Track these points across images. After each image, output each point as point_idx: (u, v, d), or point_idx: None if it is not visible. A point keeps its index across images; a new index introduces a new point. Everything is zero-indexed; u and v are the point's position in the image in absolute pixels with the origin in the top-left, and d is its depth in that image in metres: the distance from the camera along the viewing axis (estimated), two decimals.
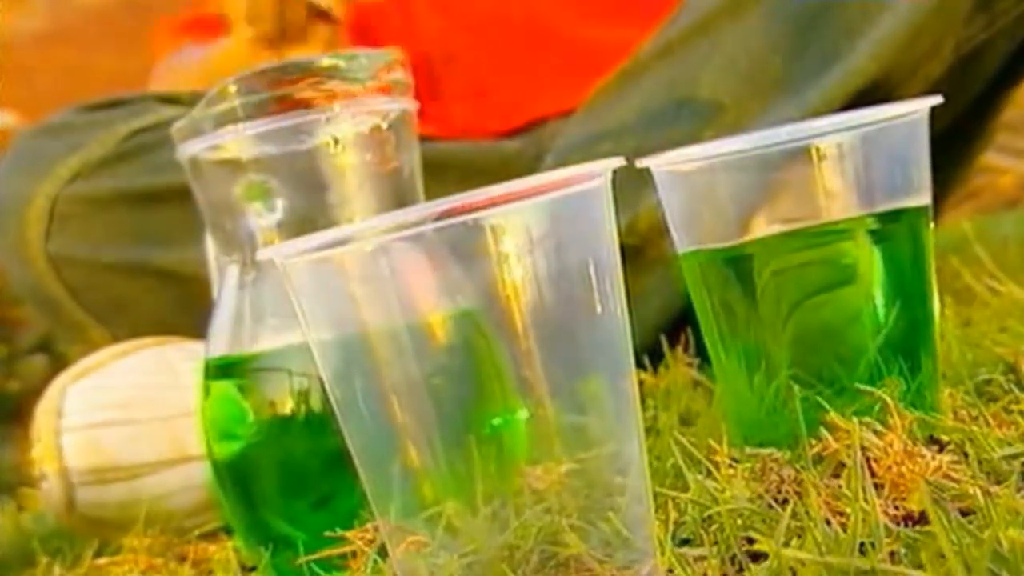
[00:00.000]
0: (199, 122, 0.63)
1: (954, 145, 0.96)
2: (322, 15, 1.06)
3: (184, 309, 0.90)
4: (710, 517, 0.51)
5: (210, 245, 0.69)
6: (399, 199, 0.64)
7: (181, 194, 0.89)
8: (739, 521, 0.50)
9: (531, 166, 0.93)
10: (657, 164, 0.59)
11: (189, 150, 0.64)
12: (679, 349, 0.78)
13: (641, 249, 0.83)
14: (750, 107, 0.85)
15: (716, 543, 0.49)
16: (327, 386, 0.45)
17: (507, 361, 0.43)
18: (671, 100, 0.88)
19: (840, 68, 0.83)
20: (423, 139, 0.67)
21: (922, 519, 0.48)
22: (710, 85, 0.87)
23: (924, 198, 0.59)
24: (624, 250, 0.45)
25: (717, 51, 0.87)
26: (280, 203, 0.63)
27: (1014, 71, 0.94)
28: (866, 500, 0.46)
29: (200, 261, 0.72)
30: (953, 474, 0.50)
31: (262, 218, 0.63)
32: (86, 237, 0.99)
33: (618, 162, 0.44)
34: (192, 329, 0.82)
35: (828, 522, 0.47)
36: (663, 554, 0.47)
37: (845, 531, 0.45)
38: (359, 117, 0.63)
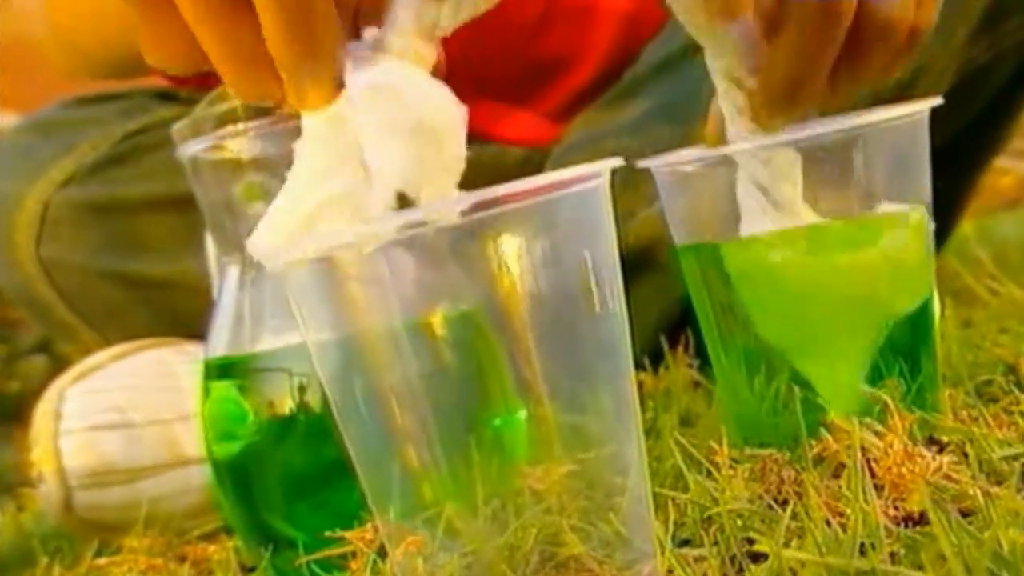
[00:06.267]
0: (200, 122, 0.63)
1: (960, 161, 0.95)
2: None
3: (178, 321, 0.90)
4: (710, 518, 0.51)
5: (210, 245, 0.69)
6: None
7: (177, 202, 0.88)
8: (739, 521, 0.50)
9: (535, 173, 0.92)
10: (657, 164, 0.59)
11: (190, 150, 0.64)
12: (679, 350, 0.78)
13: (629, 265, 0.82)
14: None
15: (716, 543, 0.49)
16: (326, 387, 0.45)
17: (507, 362, 0.43)
18: (669, 114, 0.87)
19: None
20: None
21: (922, 520, 0.48)
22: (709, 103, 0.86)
23: (924, 198, 0.59)
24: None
25: None
26: None
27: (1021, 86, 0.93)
28: (866, 501, 0.46)
29: (195, 272, 0.71)
30: (953, 475, 0.50)
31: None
32: (79, 244, 0.97)
33: (618, 162, 0.44)
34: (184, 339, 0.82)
35: (828, 523, 0.47)
36: (663, 554, 0.47)
37: (845, 532, 0.45)
38: None
